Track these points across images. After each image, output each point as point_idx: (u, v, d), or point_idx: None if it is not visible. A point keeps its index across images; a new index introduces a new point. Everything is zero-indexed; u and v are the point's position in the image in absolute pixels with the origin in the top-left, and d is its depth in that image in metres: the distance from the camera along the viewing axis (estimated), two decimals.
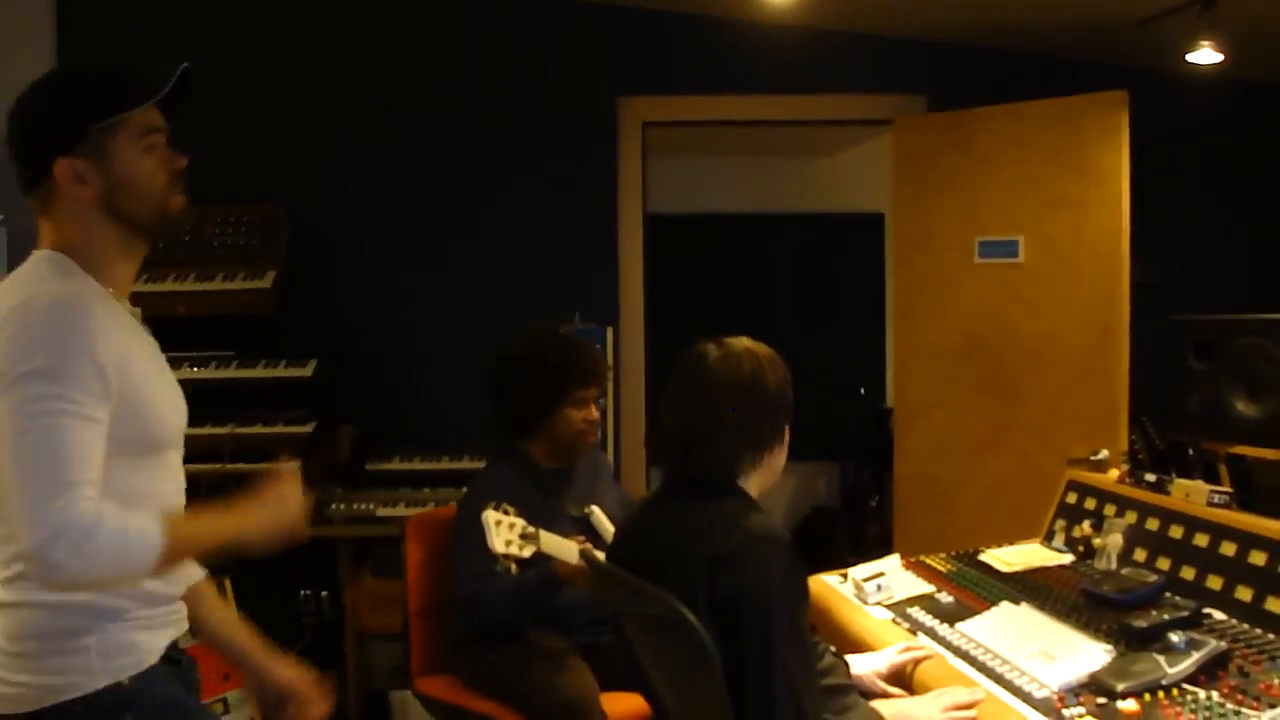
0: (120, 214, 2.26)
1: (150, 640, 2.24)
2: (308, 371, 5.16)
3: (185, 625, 2.39)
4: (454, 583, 3.75)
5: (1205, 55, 4.98)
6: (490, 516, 3.34)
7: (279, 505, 2.27)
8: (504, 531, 3.34)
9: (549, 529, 3.46)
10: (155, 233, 2.33)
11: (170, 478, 2.33)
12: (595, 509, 3.88)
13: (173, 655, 2.31)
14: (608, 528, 3.82)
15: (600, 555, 2.97)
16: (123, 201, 2.25)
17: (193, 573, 2.50)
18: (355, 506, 5.13)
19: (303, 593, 5.40)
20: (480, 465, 4.29)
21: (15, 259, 2.32)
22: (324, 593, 5.37)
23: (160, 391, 2.29)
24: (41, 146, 2.23)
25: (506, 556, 3.33)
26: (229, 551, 2.23)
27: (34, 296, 2.13)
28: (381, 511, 5.13)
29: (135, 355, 2.22)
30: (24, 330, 2.08)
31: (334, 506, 5.12)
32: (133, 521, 2.06)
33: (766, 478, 2.63)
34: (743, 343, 2.63)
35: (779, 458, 2.64)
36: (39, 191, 2.25)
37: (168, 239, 2.37)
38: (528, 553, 3.35)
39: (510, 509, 3.39)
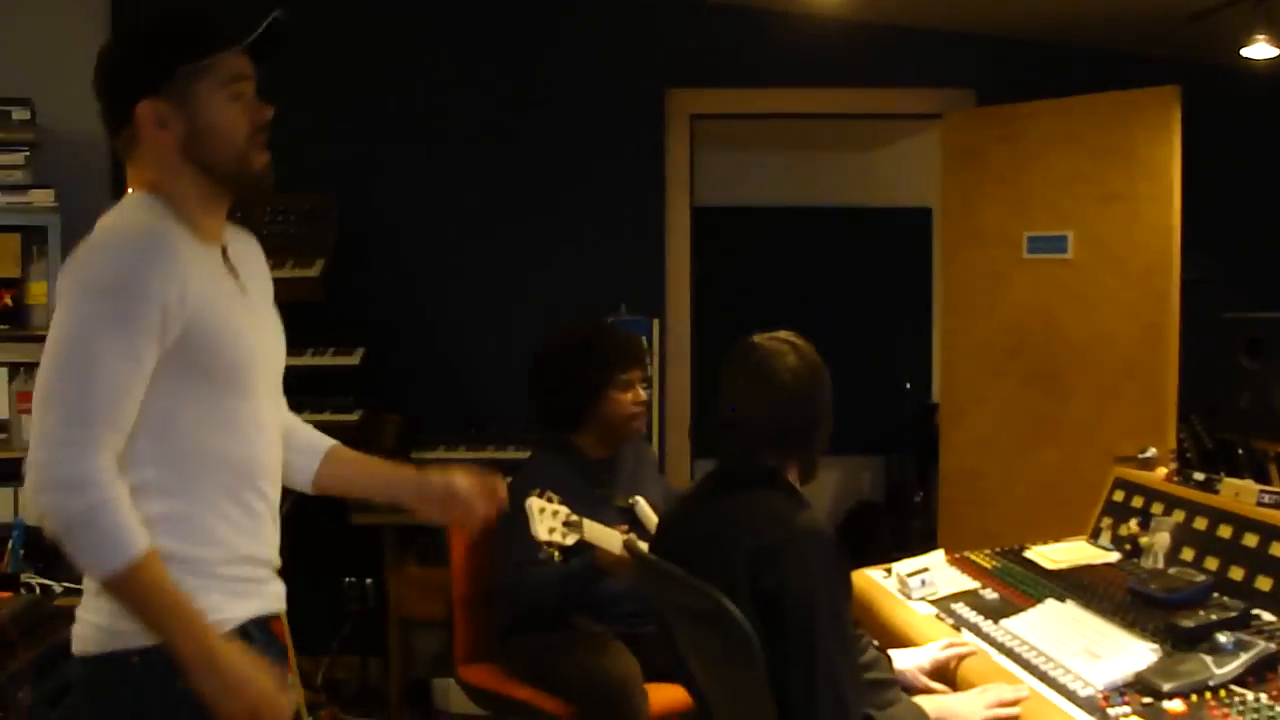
0: (201, 162, 2.22)
1: (228, 606, 2.17)
2: (355, 360, 5.20)
3: (277, 603, 2.32)
4: (498, 570, 3.77)
5: (1260, 50, 4.93)
6: (534, 504, 3.36)
7: (240, 682, 2.05)
8: (547, 519, 3.36)
9: (593, 518, 3.48)
10: (235, 185, 2.28)
11: (252, 432, 2.25)
12: (640, 500, 3.89)
13: (249, 629, 2.21)
14: (652, 519, 3.83)
15: (644, 546, 2.98)
16: (203, 149, 2.21)
17: (319, 442, 2.54)
18: None
19: (346, 580, 5.42)
20: (525, 455, 4.31)
21: (68, 247, 2.33)
22: (368, 580, 5.39)
23: (243, 331, 2.23)
24: (126, 87, 2.20)
25: (550, 544, 3.35)
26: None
27: (112, 226, 2.15)
28: None
29: (213, 297, 2.18)
30: (96, 253, 2.09)
31: None
32: (125, 520, 1.99)
33: (808, 473, 2.64)
34: (792, 338, 2.64)
35: (817, 454, 2.65)
36: (124, 135, 2.23)
37: (249, 195, 2.34)
38: (571, 540, 3.36)
39: (554, 496, 3.41)
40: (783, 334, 2.65)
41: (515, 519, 3.40)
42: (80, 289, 2.05)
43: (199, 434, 2.15)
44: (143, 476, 2.10)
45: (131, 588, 2.00)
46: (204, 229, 2.25)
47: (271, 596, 2.31)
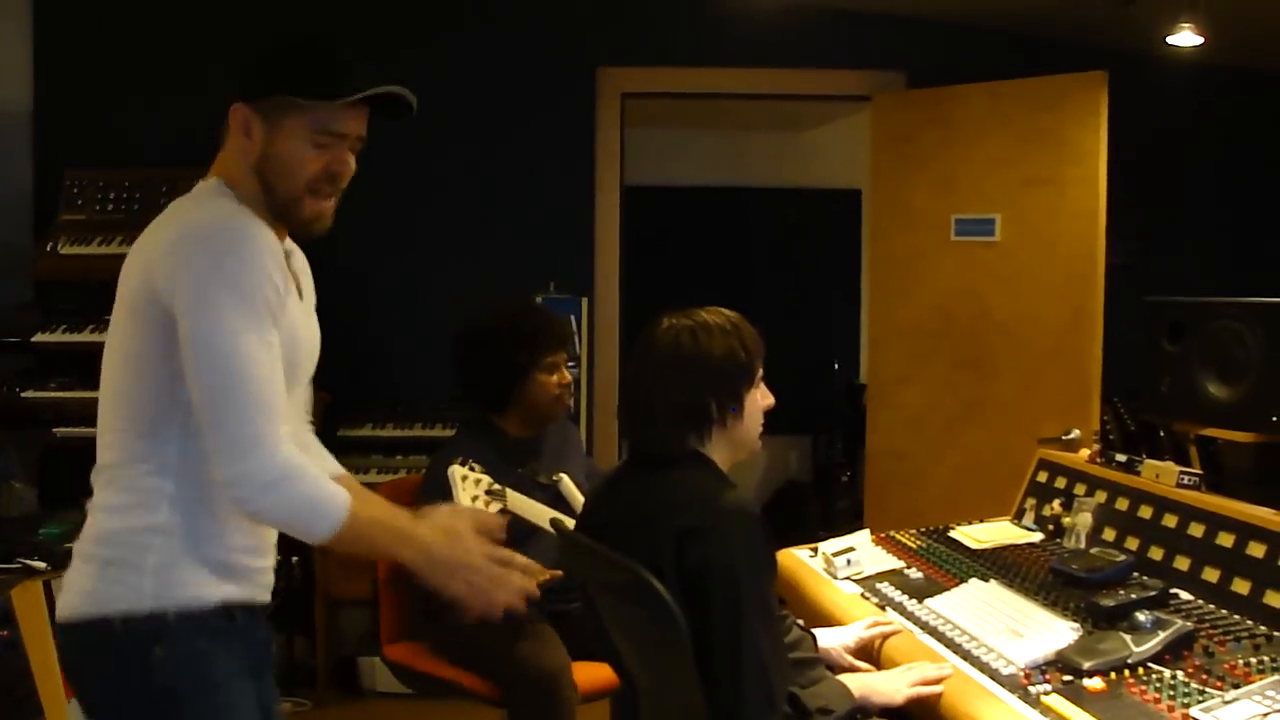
0: (264, 184, 2.26)
1: (216, 585, 2.22)
2: None
3: (264, 594, 2.37)
4: None
5: (1186, 38, 4.98)
6: (456, 471, 3.36)
7: (493, 582, 2.23)
8: (470, 487, 3.36)
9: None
10: (284, 221, 2.31)
11: (295, 412, 2.39)
12: (564, 477, 3.89)
13: (233, 610, 2.26)
14: (577, 497, 3.82)
15: (570, 523, 2.97)
16: (268, 173, 2.25)
17: (330, 465, 2.62)
18: None
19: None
20: (451, 434, 4.29)
21: None
22: (294, 558, 5.35)
23: (301, 323, 2.33)
24: (241, 81, 2.26)
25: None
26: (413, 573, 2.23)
27: (212, 216, 2.20)
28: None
29: (290, 287, 2.27)
30: (207, 248, 2.13)
31: None
32: (326, 485, 2.13)
33: (734, 448, 2.61)
34: (700, 314, 2.60)
35: (743, 428, 2.61)
36: (228, 118, 2.28)
37: (297, 235, 2.39)
38: (494, 509, 3.36)
39: (477, 466, 3.41)
40: (696, 311, 2.63)
41: (436, 494, 3.39)
42: (202, 294, 2.10)
43: None
44: (164, 455, 2.18)
45: (351, 536, 2.14)
46: (271, 228, 2.29)
47: (260, 586, 2.36)
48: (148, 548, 2.16)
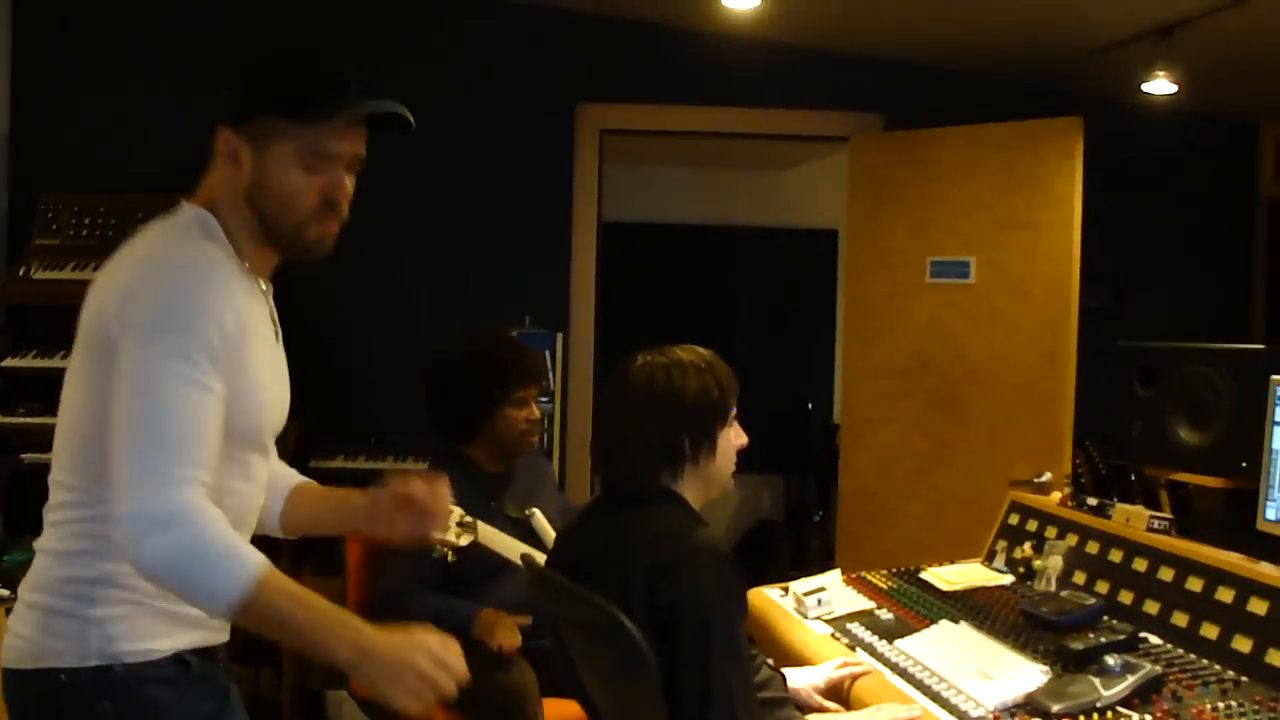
0: (258, 212, 2.14)
1: (166, 633, 2.08)
2: None
3: (223, 634, 2.24)
4: (379, 576, 3.73)
5: (1160, 85, 5.03)
6: None
7: (417, 674, 1.93)
8: None
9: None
10: (285, 250, 2.21)
11: (234, 482, 2.16)
12: (536, 512, 3.87)
13: (186, 658, 2.13)
14: (549, 532, 3.81)
15: (541, 559, 2.95)
16: (261, 202, 2.14)
17: (285, 481, 2.48)
18: None
19: None
20: (424, 466, 4.27)
21: None
22: None
23: (265, 383, 2.17)
24: (225, 104, 2.15)
25: (443, 543, 3.32)
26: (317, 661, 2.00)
27: (170, 249, 2.09)
28: None
29: (254, 335, 2.13)
30: (155, 280, 2.02)
31: None
32: (233, 541, 1.92)
33: (706, 486, 2.61)
34: (675, 352, 2.61)
35: (715, 466, 2.61)
36: (213, 143, 2.16)
37: (298, 261, 2.23)
38: (465, 541, 3.34)
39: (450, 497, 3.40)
40: (669, 348, 2.63)
41: None
42: (138, 324, 1.97)
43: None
44: (106, 500, 1.97)
45: (259, 610, 1.90)
46: (255, 260, 2.20)
47: (216, 629, 2.22)
48: (93, 599, 2.03)
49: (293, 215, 2.15)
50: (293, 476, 2.54)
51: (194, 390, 1.96)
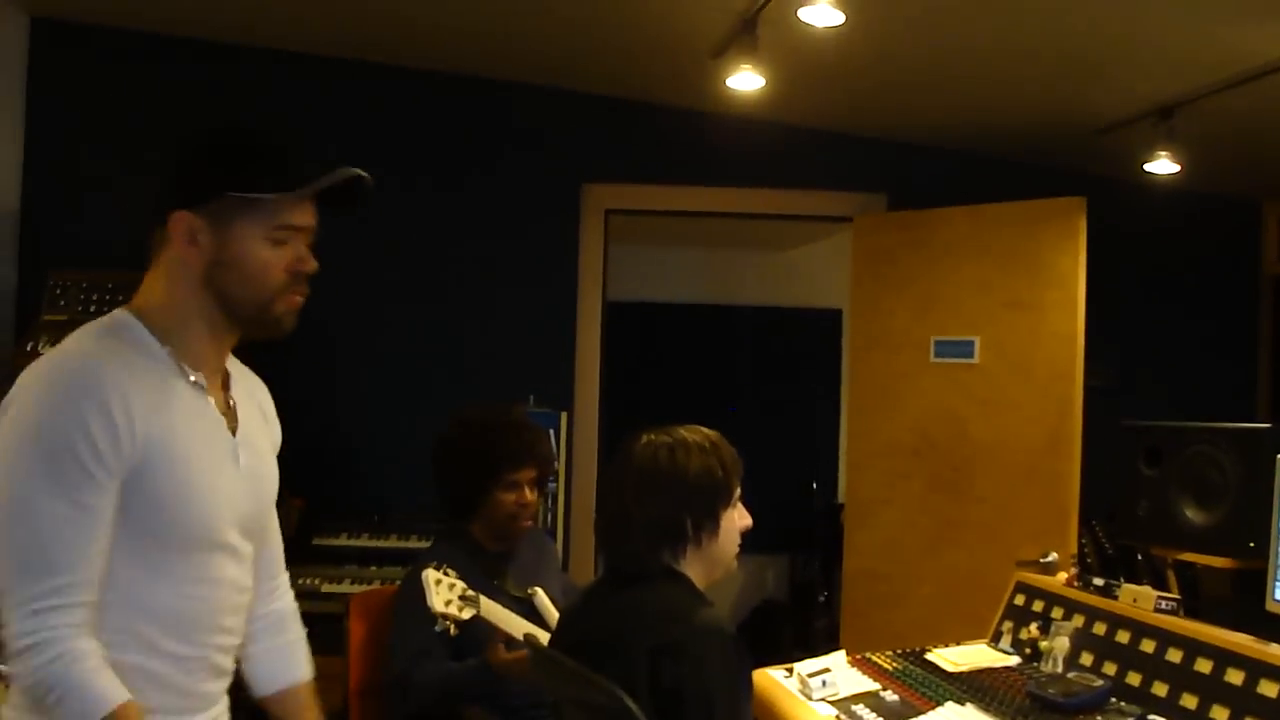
0: (220, 291, 2.10)
1: None
2: None
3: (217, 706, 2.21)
4: (389, 657, 3.72)
5: (1162, 165, 5.06)
6: (430, 575, 3.34)
7: None
8: (444, 591, 3.33)
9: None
10: (250, 328, 2.17)
11: (197, 587, 2.11)
12: (539, 590, 3.85)
13: None
14: (551, 611, 3.79)
15: (544, 637, 2.94)
16: (225, 281, 2.09)
17: (295, 671, 2.46)
18: (300, 581, 5.04)
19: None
20: (427, 544, 4.26)
21: None
22: None
23: (204, 480, 2.08)
24: (173, 190, 2.09)
25: (445, 616, 3.31)
26: None
27: (62, 352, 2.03)
28: (326, 588, 5.08)
29: (179, 436, 2.04)
30: (27, 393, 1.96)
31: None
32: (94, 677, 1.88)
33: (710, 566, 2.60)
34: (679, 432, 2.61)
35: (719, 547, 2.60)
36: (157, 233, 2.11)
37: (265, 338, 2.18)
38: (467, 615, 3.33)
39: (451, 571, 3.39)
40: (674, 429, 2.63)
41: (410, 605, 3.37)
42: (10, 434, 1.93)
43: (124, 582, 2.00)
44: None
45: None
46: (200, 358, 2.15)
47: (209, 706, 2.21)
48: None
49: (261, 291, 2.11)
50: (297, 668, 2.54)
51: (61, 508, 1.90)
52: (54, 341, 4.88)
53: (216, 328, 2.15)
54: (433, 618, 3.33)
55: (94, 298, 5.17)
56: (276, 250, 2.11)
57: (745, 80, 4.72)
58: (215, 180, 2.08)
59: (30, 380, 1.98)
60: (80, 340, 2.06)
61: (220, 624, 2.19)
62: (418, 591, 3.35)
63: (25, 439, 1.92)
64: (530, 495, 3.90)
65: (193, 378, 2.13)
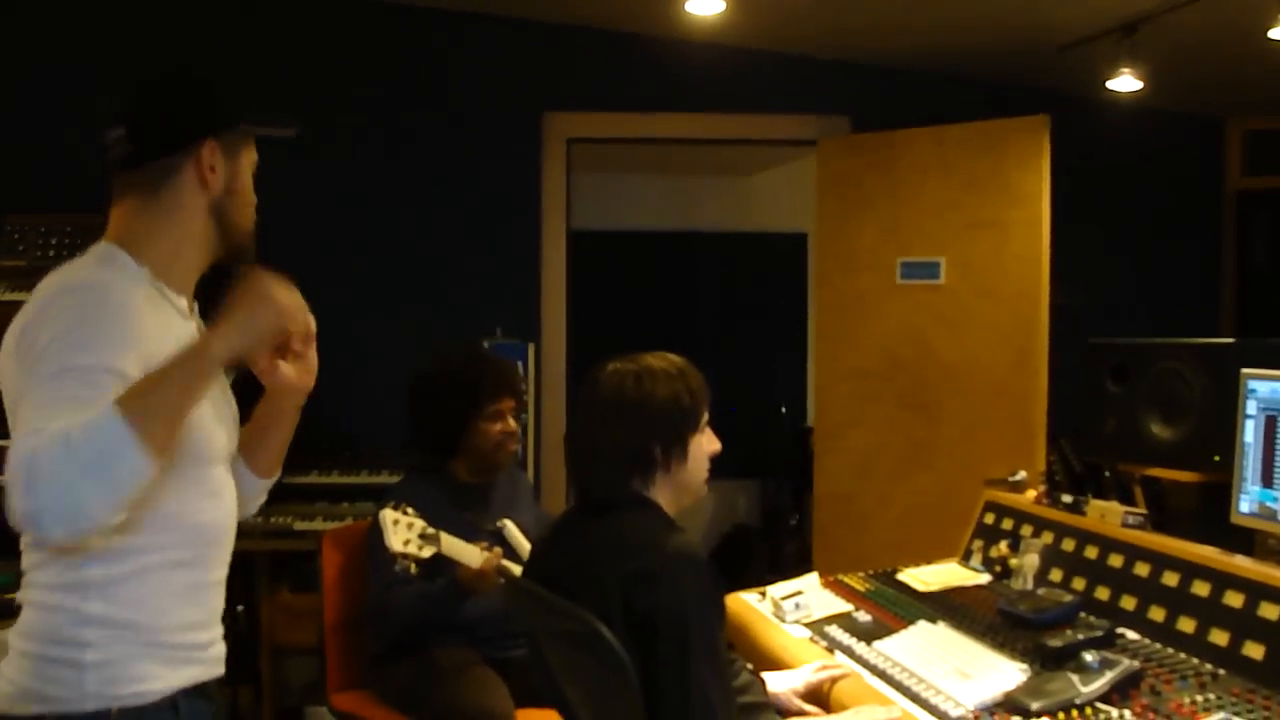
0: (223, 220, 2.21)
1: (160, 674, 2.08)
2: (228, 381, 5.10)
3: (215, 667, 2.24)
4: (367, 590, 3.74)
5: (1125, 83, 5.05)
6: (388, 515, 3.35)
7: (252, 305, 2.02)
8: (402, 530, 3.35)
9: (464, 541, 3.46)
10: (235, 250, 2.27)
11: (207, 500, 2.21)
12: (508, 522, 3.88)
13: (177, 701, 2.11)
14: (522, 542, 3.81)
15: (516, 570, 2.95)
16: (231, 209, 2.21)
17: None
18: (272, 520, 5.06)
19: None
20: (399, 478, 4.26)
21: None
22: (240, 607, 5.28)
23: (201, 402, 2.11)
24: (193, 118, 2.15)
25: (405, 556, 3.33)
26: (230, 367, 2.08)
27: (71, 279, 2.06)
28: (299, 525, 5.07)
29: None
30: (59, 307, 1.98)
31: (251, 519, 5.06)
32: (75, 427, 1.79)
33: (680, 493, 2.61)
34: (645, 359, 2.61)
35: (688, 473, 2.60)
36: (157, 166, 2.14)
37: (233, 260, 2.27)
38: (427, 553, 3.36)
39: (410, 509, 3.40)
40: (640, 356, 2.63)
41: (382, 544, 3.38)
42: (38, 363, 1.92)
43: (156, 497, 2.02)
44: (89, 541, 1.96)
45: (157, 423, 1.85)
46: (183, 286, 2.22)
47: (210, 661, 2.23)
48: (87, 644, 2.02)
49: (249, 219, 2.26)
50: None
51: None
52: (14, 288, 4.89)
53: (205, 256, 2.24)
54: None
55: (53, 241, 5.10)
56: (248, 181, 2.27)
57: (705, 3, 4.69)
58: (232, 111, 2.20)
59: (53, 305, 2.00)
60: (84, 269, 2.10)
61: (222, 541, 2.29)
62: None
63: (62, 366, 1.91)
64: (513, 424, 3.93)
65: (181, 304, 2.22)
